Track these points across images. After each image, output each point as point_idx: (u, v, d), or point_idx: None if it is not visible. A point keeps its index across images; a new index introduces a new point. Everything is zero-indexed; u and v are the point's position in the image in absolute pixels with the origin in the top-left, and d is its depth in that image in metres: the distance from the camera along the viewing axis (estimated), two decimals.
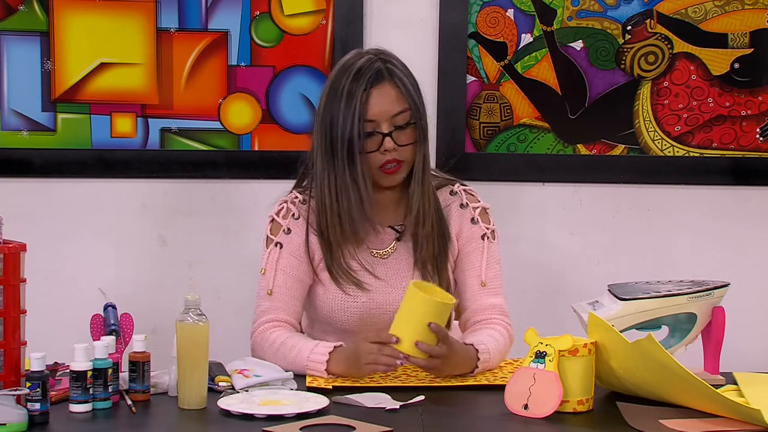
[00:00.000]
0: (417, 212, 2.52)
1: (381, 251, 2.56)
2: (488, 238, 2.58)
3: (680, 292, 2.36)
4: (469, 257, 2.57)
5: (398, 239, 2.56)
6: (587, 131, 3.26)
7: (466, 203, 2.60)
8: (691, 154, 3.26)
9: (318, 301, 2.56)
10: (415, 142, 2.49)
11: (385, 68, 2.47)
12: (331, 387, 2.25)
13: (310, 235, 2.55)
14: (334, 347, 2.37)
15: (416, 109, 2.48)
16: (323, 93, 2.51)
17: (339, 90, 2.45)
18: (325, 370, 2.34)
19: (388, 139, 2.45)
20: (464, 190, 2.62)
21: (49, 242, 3.22)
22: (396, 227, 2.57)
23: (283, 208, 2.58)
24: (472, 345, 2.37)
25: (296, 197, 2.59)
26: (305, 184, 2.60)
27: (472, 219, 2.59)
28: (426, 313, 2.24)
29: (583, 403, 2.12)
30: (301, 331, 2.62)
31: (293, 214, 2.57)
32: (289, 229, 2.56)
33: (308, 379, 2.32)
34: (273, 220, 2.58)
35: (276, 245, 2.55)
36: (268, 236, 2.57)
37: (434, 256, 2.53)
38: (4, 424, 1.94)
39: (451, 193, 2.62)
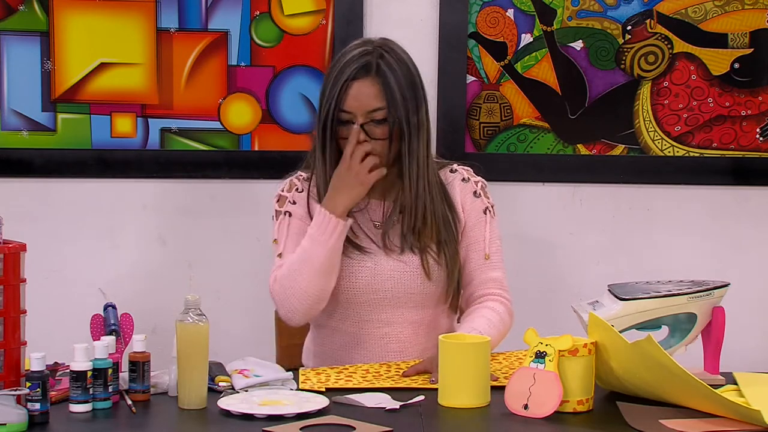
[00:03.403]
0: (404, 206, 2.56)
1: (384, 223, 2.58)
2: (489, 212, 2.64)
3: (680, 292, 2.36)
4: (473, 231, 2.62)
5: (401, 212, 2.58)
6: (587, 131, 3.26)
7: (468, 178, 2.66)
8: (691, 154, 3.26)
9: None
10: (389, 138, 2.51)
11: (375, 63, 2.50)
12: (324, 390, 2.24)
13: (312, 207, 2.58)
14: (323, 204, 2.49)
15: (394, 108, 2.50)
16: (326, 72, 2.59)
17: (331, 73, 2.53)
18: (333, 212, 2.46)
19: (359, 130, 2.50)
20: (464, 169, 2.68)
21: (49, 242, 3.22)
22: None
23: (287, 184, 2.64)
24: None
25: (301, 175, 2.64)
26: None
27: (475, 192, 2.64)
28: (466, 359, 2.18)
29: (583, 403, 2.12)
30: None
31: (297, 188, 2.62)
32: (294, 201, 2.61)
33: (301, 379, 2.32)
34: (279, 196, 2.63)
35: (285, 214, 2.60)
36: (276, 210, 2.62)
37: (440, 241, 2.56)
38: (4, 424, 1.94)
39: (452, 171, 2.67)
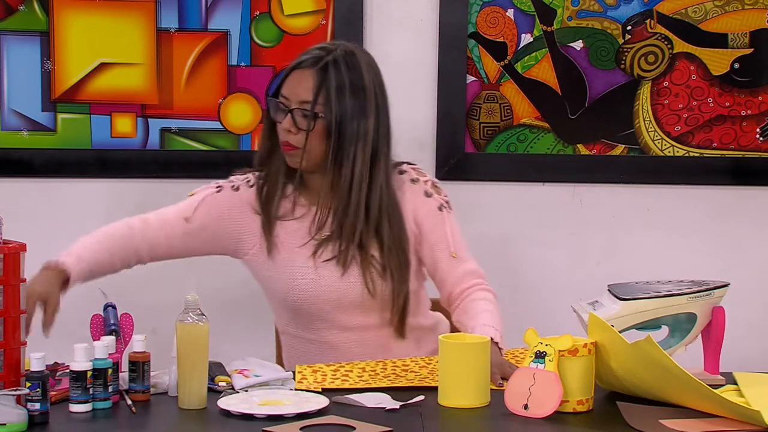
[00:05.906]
0: (337, 215, 2.50)
1: (324, 233, 2.53)
2: (445, 208, 2.58)
3: (680, 292, 2.36)
4: (433, 232, 2.57)
5: (333, 221, 2.53)
6: (587, 131, 3.26)
7: (417, 178, 2.60)
8: (691, 154, 3.27)
9: (270, 283, 2.56)
10: (317, 133, 2.46)
11: (324, 58, 2.46)
12: (320, 390, 2.24)
13: (251, 215, 2.56)
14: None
15: (325, 106, 2.44)
16: None
17: None
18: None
19: (288, 117, 2.46)
20: (412, 168, 2.62)
21: (49, 242, 3.20)
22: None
23: (242, 173, 2.62)
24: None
25: (246, 177, 2.62)
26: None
27: (426, 192, 2.59)
28: (466, 359, 2.17)
29: (583, 403, 2.12)
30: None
31: (249, 181, 2.60)
32: (237, 188, 2.59)
33: (297, 378, 2.32)
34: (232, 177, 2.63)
35: (217, 188, 2.60)
36: (216, 181, 2.62)
37: (384, 247, 2.50)
38: (4, 424, 1.94)
39: (400, 172, 2.60)
